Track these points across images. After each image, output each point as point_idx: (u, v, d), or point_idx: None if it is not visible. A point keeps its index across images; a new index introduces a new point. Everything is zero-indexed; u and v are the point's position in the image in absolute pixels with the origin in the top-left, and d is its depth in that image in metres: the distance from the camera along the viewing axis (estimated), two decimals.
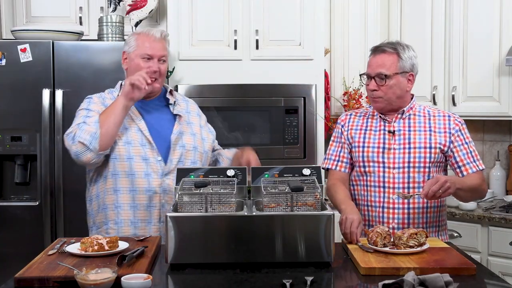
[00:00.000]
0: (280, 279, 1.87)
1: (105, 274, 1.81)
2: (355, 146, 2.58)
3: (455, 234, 3.50)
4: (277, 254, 2.06)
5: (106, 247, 2.12)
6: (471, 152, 2.53)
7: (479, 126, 4.07)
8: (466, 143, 2.53)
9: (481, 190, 2.53)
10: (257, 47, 3.72)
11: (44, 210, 3.44)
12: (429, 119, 2.55)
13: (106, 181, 2.57)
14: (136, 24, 3.78)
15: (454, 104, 3.78)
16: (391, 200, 2.49)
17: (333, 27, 4.09)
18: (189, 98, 3.63)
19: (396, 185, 2.49)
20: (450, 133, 2.52)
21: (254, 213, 2.11)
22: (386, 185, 2.50)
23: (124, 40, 3.72)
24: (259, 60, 3.74)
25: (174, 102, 2.70)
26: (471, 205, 3.52)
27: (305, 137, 3.70)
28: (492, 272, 2.09)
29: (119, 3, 3.84)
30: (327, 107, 3.96)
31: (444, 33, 3.82)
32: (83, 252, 2.11)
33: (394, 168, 2.49)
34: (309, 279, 1.87)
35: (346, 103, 3.98)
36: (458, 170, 2.52)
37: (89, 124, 2.47)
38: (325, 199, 3.14)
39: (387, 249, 2.14)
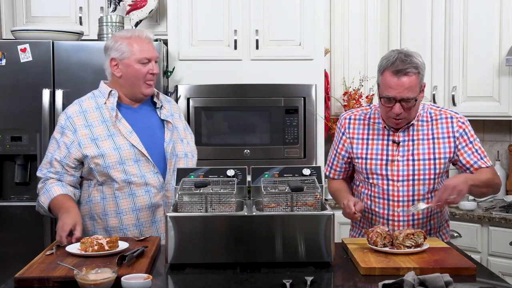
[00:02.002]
0: (280, 279, 1.87)
1: (105, 274, 1.81)
2: (357, 157, 2.52)
3: (455, 234, 3.50)
4: (277, 254, 2.06)
5: (106, 247, 2.12)
6: (476, 150, 2.47)
7: (479, 126, 4.07)
8: (471, 142, 2.47)
9: (495, 184, 2.46)
10: (257, 47, 3.72)
11: None
12: (432, 124, 2.48)
13: (105, 203, 2.51)
14: (136, 24, 3.78)
15: (454, 104, 3.78)
16: (396, 213, 2.46)
17: (333, 27, 4.09)
18: (190, 98, 3.67)
19: (401, 198, 2.45)
20: (454, 137, 2.46)
21: (254, 213, 2.10)
22: (391, 198, 2.46)
23: None
24: (259, 60, 3.74)
25: (161, 106, 2.63)
26: (471, 205, 3.52)
27: (305, 137, 3.70)
28: (492, 272, 2.09)
29: (119, 3, 3.84)
30: (327, 107, 3.96)
31: (444, 33, 3.82)
32: (83, 252, 2.11)
33: (398, 181, 2.45)
34: (309, 279, 1.86)
35: (346, 103, 3.98)
36: (467, 171, 2.47)
37: (42, 201, 2.51)
38: (325, 199, 3.14)
39: (386, 249, 2.14)
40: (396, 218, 2.46)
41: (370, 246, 2.18)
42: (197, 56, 3.75)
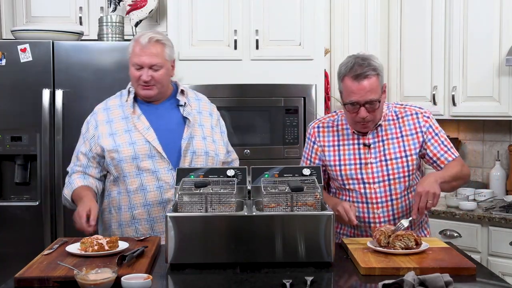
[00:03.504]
0: (280, 279, 1.87)
1: (105, 274, 1.81)
2: (330, 164, 2.53)
3: (455, 234, 3.50)
4: (277, 254, 2.06)
5: (106, 247, 2.12)
6: (442, 142, 2.50)
7: (479, 126, 4.07)
8: (436, 134, 2.50)
9: (464, 175, 2.48)
10: (257, 47, 3.72)
11: (44, 210, 3.44)
12: (399, 122, 2.50)
13: (120, 197, 2.56)
14: (136, 24, 3.78)
15: (454, 104, 3.78)
16: (376, 215, 2.47)
17: (333, 27, 4.09)
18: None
19: (379, 200, 2.46)
20: (422, 131, 2.49)
21: (254, 213, 2.10)
22: (369, 200, 2.47)
23: (124, 40, 3.72)
24: (259, 60, 3.74)
25: (185, 103, 2.64)
26: (471, 205, 3.52)
27: (305, 137, 3.69)
28: (492, 272, 2.09)
29: (119, 3, 3.84)
30: (327, 107, 3.96)
31: (444, 33, 3.82)
32: (83, 252, 2.11)
33: (374, 183, 2.46)
34: (309, 279, 1.86)
35: None
36: (435, 164, 2.50)
37: (65, 193, 2.58)
38: None
39: (380, 248, 2.14)
40: (377, 220, 2.47)
41: (370, 245, 2.17)
42: (197, 56, 3.75)
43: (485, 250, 3.42)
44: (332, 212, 2.08)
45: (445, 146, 2.50)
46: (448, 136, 2.52)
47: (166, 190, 2.53)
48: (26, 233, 3.45)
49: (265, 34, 3.74)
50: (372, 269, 1.99)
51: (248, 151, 3.69)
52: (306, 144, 2.63)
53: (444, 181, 2.35)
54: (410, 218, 2.33)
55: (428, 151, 2.49)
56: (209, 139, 2.65)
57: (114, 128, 2.57)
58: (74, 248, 2.16)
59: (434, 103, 3.84)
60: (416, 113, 2.52)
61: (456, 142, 4.08)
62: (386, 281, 1.79)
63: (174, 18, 3.74)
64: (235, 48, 3.72)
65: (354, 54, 2.45)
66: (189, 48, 3.74)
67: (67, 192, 2.58)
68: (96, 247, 2.11)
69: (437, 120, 2.57)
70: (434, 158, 2.49)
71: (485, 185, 3.98)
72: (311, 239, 2.06)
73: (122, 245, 2.19)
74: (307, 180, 2.31)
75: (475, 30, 3.69)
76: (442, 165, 2.47)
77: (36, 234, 3.43)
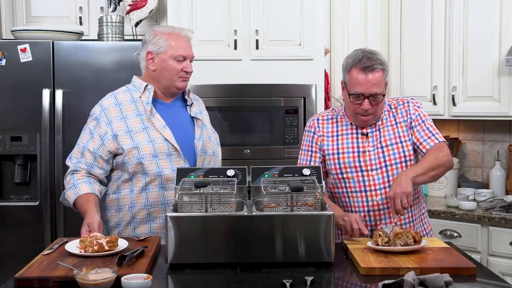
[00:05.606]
0: (280, 279, 1.87)
1: (105, 274, 1.81)
2: (328, 154, 2.55)
3: (455, 234, 3.50)
4: (277, 254, 2.06)
5: (106, 247, 2.12)
6: (427, 128, 2.51)
7: (479, 126, 4.07)
8: (423, 121, 2.52)
9: (443, 162, 2.43)
10: (257, 47, 3.72)
11: (44, 210, 3.44)
12: (392, 112, 2.56)
13: (132, 195, 2.53)
14: (136, 24, 3.78)
15: (454, 104, 3.78)
16: (375, 202, 2.49)
17: (333, 27, 4.09)
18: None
19: (377, 186, 2.48)
20: (411, 118, 2.53)
21: (254, 213, 2.10)
22: (367, 188, 2.49)
23: (124, 40, 3.71)
24: (259, 60, 3.74)
25: (192, 103, 2.68)
26: (471, 205, 3.52)
27: None
28: (492, 272, 2.09)
29: (119, 3, 3.84)
30: (327, 107, 3.96)
31: (444, 33, 3.82)
32: (83, 252, 2.11)
33: (372, 170, 2.49)
34: (309, 279, 1.87)
35: None
36: (418, 150, 2.52)
37: (68, 195, 2.49)
38: None
39: (380, 247, 2.14)
40: (376, 208, 2.49)
41: (370, 245, 2.18)
42: (197, 56, 3.69)
43: (485, 250, 3.42)
44: (332, 212, 2.09)
45: (430, 132, 2.51)
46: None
47: None
48: (26, 233, 3.45)
49: (265, 34, 3.74)
50: (372, 269, 1.99)
51: (248, 151, 3.70)
52: (305, 137, 2.64)
53: (417, 174, 2.34)
54: (393, 224, 2.35)
55: (413, 136, 2.53)
56: (212, 139, 2.70)
57: (130, 125, 2.52)
58: (73, 246, 2.15)
59: (434, 103, 3.84)
60: (408, 102, 2.58)
61: (456, 142, 4.08)
62: (386, 281, 1.79)
63: (174, 18, 3.74)
64: (235, 48, 3.72)
65: (361, 49, 2.51)
66: None
67: (69, 195, 2.48)
68: (96, 247, 2.11)
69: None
70: (418, 143, 2.51)
71: (485, 185, 3.98)
72: (311, 239, 2.06)
73: (122, 245, 2.18)
74: (307, 180, 2.31)
75: (475, 30, 3.69)
76: (424, 150, 2.49)
77: (36, 234, 3.43)
